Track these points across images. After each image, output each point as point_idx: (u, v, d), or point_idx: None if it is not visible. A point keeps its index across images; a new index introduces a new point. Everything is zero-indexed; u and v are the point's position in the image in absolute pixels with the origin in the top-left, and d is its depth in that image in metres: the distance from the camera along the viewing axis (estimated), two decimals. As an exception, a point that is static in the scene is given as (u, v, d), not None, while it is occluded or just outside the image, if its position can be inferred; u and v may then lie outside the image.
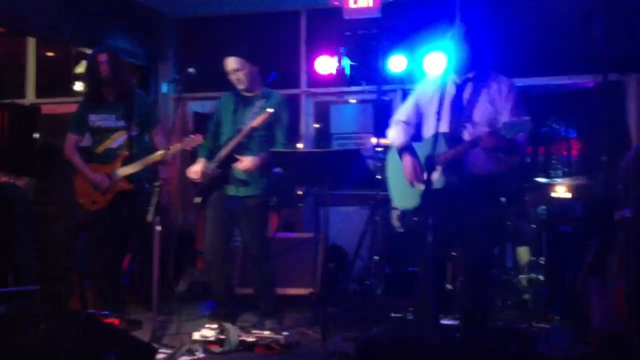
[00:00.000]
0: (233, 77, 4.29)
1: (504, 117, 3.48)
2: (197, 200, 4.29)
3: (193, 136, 4.38)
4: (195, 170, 4.29)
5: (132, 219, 4.42)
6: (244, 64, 4.25)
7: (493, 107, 3.53)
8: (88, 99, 4.59)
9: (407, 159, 3.64)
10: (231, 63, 4.26)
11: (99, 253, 4.55)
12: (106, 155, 4.50)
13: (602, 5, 4.74)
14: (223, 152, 4.24)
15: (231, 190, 4.32)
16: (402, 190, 3.74)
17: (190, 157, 4.92)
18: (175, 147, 4.35)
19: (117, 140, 4.49)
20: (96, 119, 4.52)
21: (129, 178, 4.45)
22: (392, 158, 3.85)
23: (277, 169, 5.56)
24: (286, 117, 4.31)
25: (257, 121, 4.12)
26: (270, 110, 4.08)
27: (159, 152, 4.39)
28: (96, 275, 4.66)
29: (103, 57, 4.44)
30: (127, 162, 4.45)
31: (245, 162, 4.17)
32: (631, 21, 5.40)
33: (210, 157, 4.34)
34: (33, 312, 3.58)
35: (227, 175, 4.27)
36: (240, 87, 4.32)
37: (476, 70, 3.62)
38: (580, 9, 5.70)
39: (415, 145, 3.73)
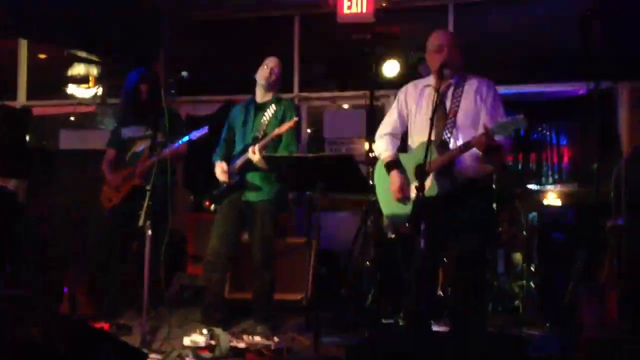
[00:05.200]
0: (266, 72, 4.45)
1: (483, 115, 3.48)
2: (213, 206, 4.32)
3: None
4: (224, 170, 4.37)
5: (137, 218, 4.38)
6: (280, 69, 4.54)
7: (475, 108, 3.53)
8: (123, 116, 4.91)
9: (395, 176, 3.62)
10: (275, 62, 4.52)
11: (101, 253, 4.71)
12: (132, 160, 4.77)
13: (595, 14, 4.77)
14: (240, 161, 4.34)
15: (244, 196, 4.39)
16: (392, 199, 3.72)
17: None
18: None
19: (141, 145, 4.74)
20: (127, 131, 4.84)
21: (145, 177, 4.53)
22: (380, 169, 3.82)
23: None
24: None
25: (281, 129, 4.19)
26: (296, 119, 4.20)
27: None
28: (94, 275, 4.76)
29: (145, 87, 4.69)
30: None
31: (258, 156, 4.19)
32: (623, 30, 5.44)
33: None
34: (23, 315, 3.56)
35: (242, 181, 4.38)
36: (266, 83, 4.45)
37: (456, 75, 3.61)
38: (573, 16, 5.73)
39: (402, 156, 3.72)
